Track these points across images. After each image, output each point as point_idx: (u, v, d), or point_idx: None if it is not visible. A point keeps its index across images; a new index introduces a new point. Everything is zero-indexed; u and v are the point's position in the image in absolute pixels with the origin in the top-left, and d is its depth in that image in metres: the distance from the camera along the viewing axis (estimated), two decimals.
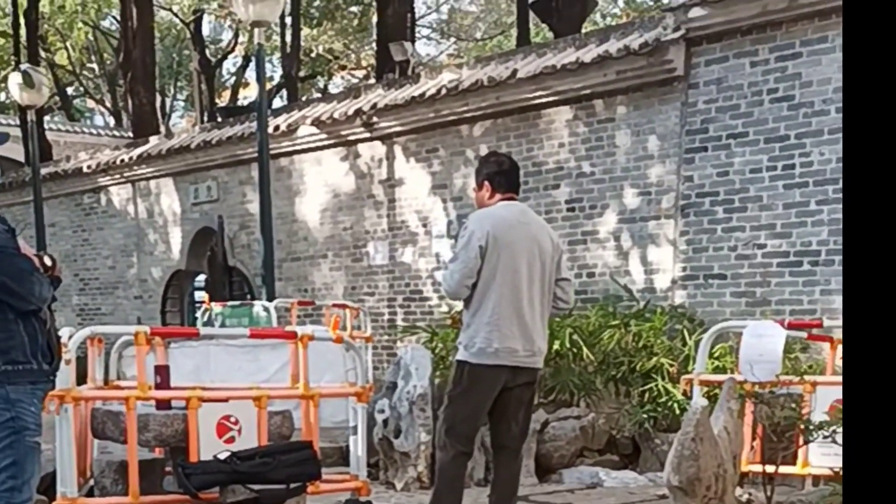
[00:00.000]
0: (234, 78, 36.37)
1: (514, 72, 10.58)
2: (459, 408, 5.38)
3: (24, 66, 16.11)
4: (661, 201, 9.64)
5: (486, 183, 5.48)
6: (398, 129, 12.14)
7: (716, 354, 7.97)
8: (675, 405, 8.13)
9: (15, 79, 15.22)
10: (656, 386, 8.34)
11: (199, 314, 11.12)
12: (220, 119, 18.73)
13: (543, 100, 10.53)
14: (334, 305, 10.32)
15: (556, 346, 8.46)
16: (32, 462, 4.10)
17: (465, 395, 5.36)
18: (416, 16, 26.25)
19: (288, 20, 24.98)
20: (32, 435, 4.07)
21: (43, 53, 26.57)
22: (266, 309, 10.22)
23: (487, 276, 5.25)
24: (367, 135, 12.50)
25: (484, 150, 10.60)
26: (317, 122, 12.93)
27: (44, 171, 17.05)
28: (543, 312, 5.43)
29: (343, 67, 35.04)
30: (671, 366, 8.45)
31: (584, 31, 16.51)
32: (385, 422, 7.62)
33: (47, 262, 4.17)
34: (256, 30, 11.52)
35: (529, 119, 10.80)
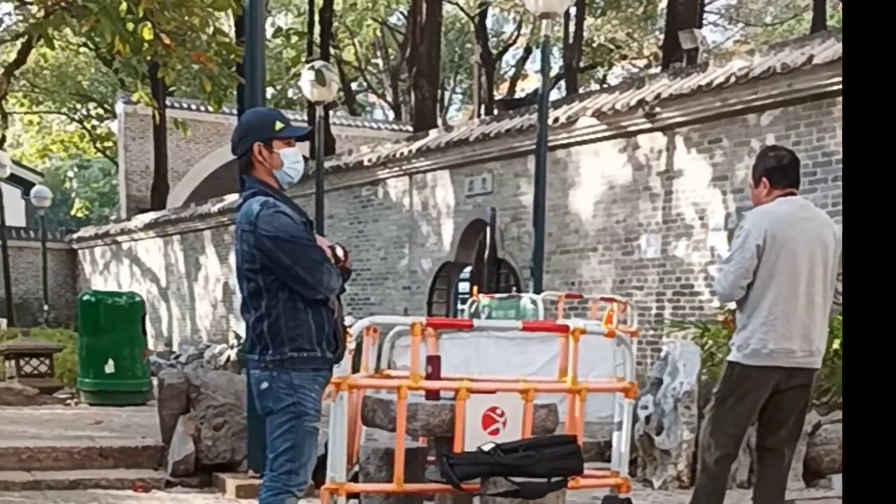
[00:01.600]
0: (512, 70, 36.86)
1: (811, 58, 10.10)
2: (727, 410, 5.22)
3: (317, 64, 16.77)
4: None
5: (764, 179, 5.23)
6: (681, 119, 11.87)
7: None
8: None
9: (308, 76, 15.79)
10: None
11: (465, 305, 11.28)
12: (497, 111, 18.99)
13: (840, 86, 9.97)
14: (602, 299, 10.19)
15: (835, 345, 7.96)
16: (310, 446, 4.23)
17: (733, 396, 5.19)
18: (705, 2, 25.60)
19: (572, 10, 24.99)
20: (312, 420, 4.20)
21: (332, 50, 27.92)
22: (533, 301, 10.23)
23: (764, 276, 5.05)
24: (648, 125, 12.29)
25: (770, 141, 10.21)
26: (597, 114, 12.84)
27: (327, 164, 17.62)
28: (825, 310, 5.17)
29: (624, 57, 34.69)
30: None
31: None
32: (647, 418, 7.49)
33: (339, 253, 4.33)
34: (544, 21, 11.51)
35: (823, 107, 10.31)
